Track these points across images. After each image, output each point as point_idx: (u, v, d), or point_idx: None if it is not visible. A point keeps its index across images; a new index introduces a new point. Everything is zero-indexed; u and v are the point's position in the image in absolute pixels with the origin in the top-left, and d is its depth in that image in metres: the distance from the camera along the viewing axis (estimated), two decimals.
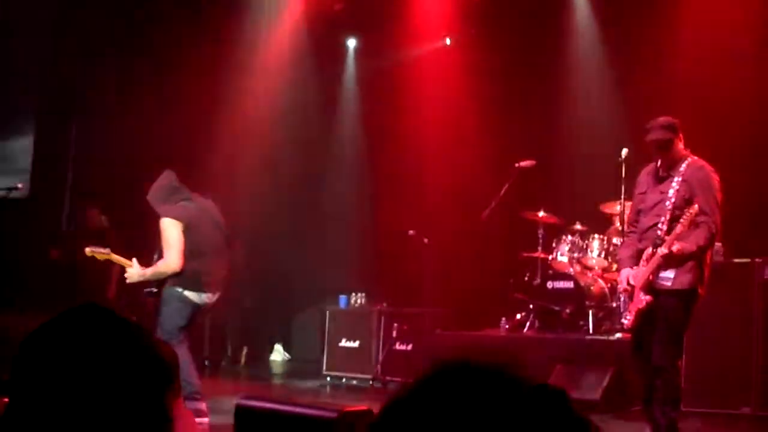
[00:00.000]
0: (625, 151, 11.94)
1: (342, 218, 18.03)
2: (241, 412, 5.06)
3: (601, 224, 13.78)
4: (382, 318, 14.27)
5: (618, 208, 12.04)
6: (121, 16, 16.49)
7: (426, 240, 14.53)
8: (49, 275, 14.63)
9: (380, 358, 13.94)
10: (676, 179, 8.37)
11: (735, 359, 10.96)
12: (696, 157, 8.52)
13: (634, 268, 8.54)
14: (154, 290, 10.50)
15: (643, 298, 8.34)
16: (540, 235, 14.19)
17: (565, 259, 13.68)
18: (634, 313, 8.43)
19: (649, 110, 13.37)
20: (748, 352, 10.95)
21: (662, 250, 8.17)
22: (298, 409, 4.83)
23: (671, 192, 8.35)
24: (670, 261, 8.24)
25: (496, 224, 13.95)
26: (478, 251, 15.59)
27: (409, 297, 14.79)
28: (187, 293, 10.04)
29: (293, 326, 19.20)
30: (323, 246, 18.10)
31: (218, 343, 17.46)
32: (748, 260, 11.17)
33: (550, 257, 13.92)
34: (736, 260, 11.23)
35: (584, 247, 13.60)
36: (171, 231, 10.00)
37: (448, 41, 17.51)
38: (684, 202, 8.29)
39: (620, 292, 8.77)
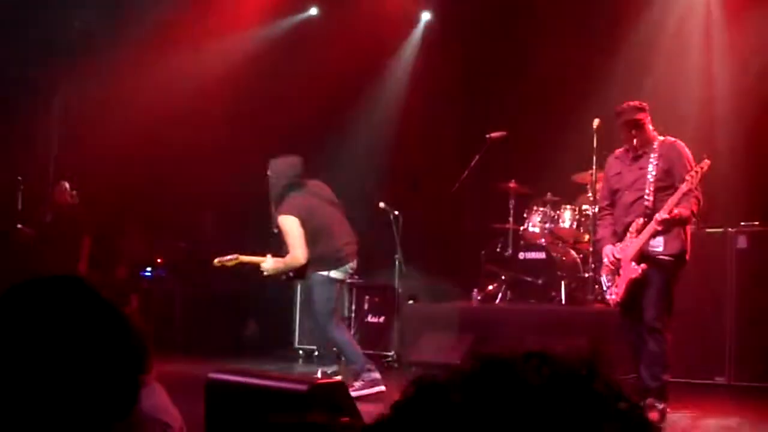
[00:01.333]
0: (596, 122, 11.95)
1: None
2: (211, 386, 4.97)
3: (572, 194, 13.75)
4: (354, 291, 14.21)
5: (591, 177, 12.04)
6: None
7: (396, 212, 14.45)
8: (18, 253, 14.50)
9: (352, 330, 13.88)
10: (652, 155, 8.79)
11: (709, 329, 11.00)
12: (665, 137, 8.96)
13: (617, 244, 8.86)
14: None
15: (637, 267, 8.60)
16: (511, 206, 14.16)
17: (536, 229, 13.67)
18: (625, 284, 8.67)
19: (621, 80, 13.47)
20: (722, 321, 10.99)
21: (662, 215, 8.46)
22: (268, 382, 4.75)
23: (650, 167, 8.75)
24: (669, 225, 8.54)
25: (468, 195, 13.91)
26: (449, 222, 15.54)
27: (381, 269, 14.70)
28: (333, 274, 10.64)
29: (265, 300, 19.11)
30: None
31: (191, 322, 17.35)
32: (721, 230, 11.19)
33: (521, 228, 13.90)
34: (709, 230, 11.24)
35: (556, 217, 13.58)
36: (290, 227, 10.67)
37: (426, 16, 17.40)
38: (664, 174, 8.72)
39: (604, 270, 9.02)
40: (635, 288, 8.66)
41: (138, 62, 15.94)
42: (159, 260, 17.41)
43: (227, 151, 17.03)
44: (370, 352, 13.45)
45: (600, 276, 9.27)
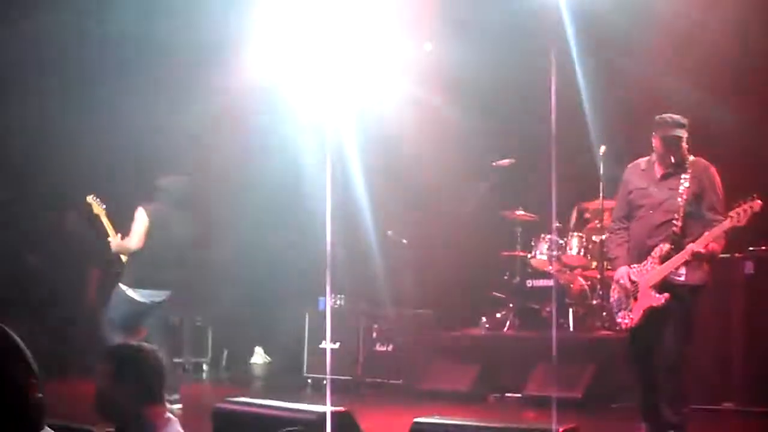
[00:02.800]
0: (603, 149, 11.97)
1: (319, 219, 17.94)
2: (218, 414, 5.00)
3: (579, 222, 13.76)
4: (362, 319, 14.23)
5: (598, 205, 12.07)
6: None
7: (404, 240, 14.48)
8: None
9: (361, 359, 13.89)
10: (684, 176, 8.38)
11: (717, 354, 10.98)
12: (697, 157, 8.55)
13: (634, 265, 8.49)
14: None
15: (659, 297, 8.23)
16: (519, 234, 14.17)
17: (544, 257, 13.66)
18: (642, 312, 8.34)
19: (627, 109, 13.47)
20: (730, 347, 10.97)
21: (697, 248, 8.11)
22: (276, 412, 4.78)
23: (682, 189, 8.35)
24: (700, 260, 8.23)
25: (475, 223, 13.92)
26: (457, 251, 15.55)
27: (389, 298, 14.72)
28: (130, 292, 11.19)
29: (273, 329, 19.14)
30: (302, 248, 18.03)
31: (198, 347, 17.39)
32: (729, 255, 11.16)
33: (529, 256, 13.90)
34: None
35: (563, 245, 13.58)
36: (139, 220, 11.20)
37: (428, 47, 17.42)
38: (694, 198, 8.32)
39: (616, 291, 8.65)
40: (653, 317, 8.29)
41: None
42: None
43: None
44: (380, 380, 13.48)
45: (612, 297, 8.78)
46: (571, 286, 13.26)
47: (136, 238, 11.09)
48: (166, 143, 15.36)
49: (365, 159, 17.33)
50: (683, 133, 8.43)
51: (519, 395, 12.04)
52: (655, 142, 8.54)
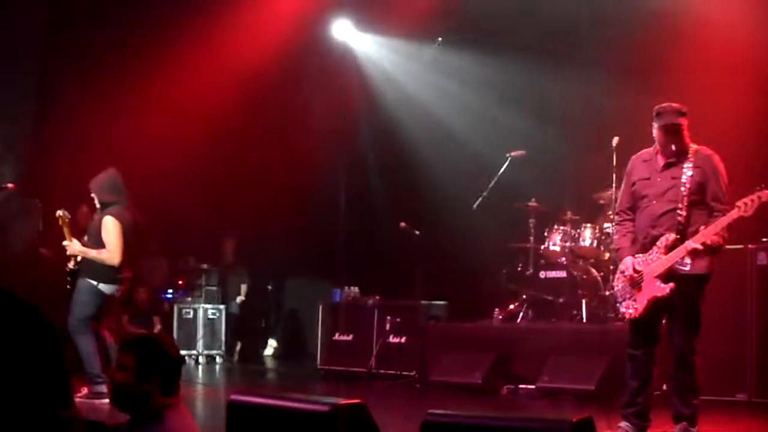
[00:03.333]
0: (615, 140, 11.97)
1: (333, 212, 18.00)
2: (233, 407, 5.02)
3: (592, 213, 13.76)
4: (376, 311, 14.25)
5: (611, 196, 12.05)
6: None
7: (417, 232, 14.49)
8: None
9: (374, 351, 13.91)
10: (687, 165, 8.30)
11: (730, 346, 10.97)
12: (700, 146, 8.45)
13: (638, 255, 8.42)
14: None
15: (665, 287, 8.16)
16: (532, 225, 14.17)
17: (557, 248, 13.66)
18: (647, 301, 8.26)
19: (639, 98, 13.46)
20: (743, 338, 10.96)
21: (694, 244, 8.02)
22: (290, 404, 4.79)
23: (685, 178, 8.26)
24: (705, 251, 8.13)
25: (488, 214, 13.93)
26: (470, 242, 15.55)
27: (402, 289, 14.75)
28: (102, 286, 11.03)
29: (287, 321, 19.19)
30: (316, 240, 18.07)
31: (213, 340, 17.43)
32: (742, 246, 11.15)
33: (542, 247, 13.90)
34: (729, 246, 11.18)
35: (576, 236, 13.57)
36: (113, 229, 11.09)
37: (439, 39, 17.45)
38: (698, 187, 8.24)
39: (620, 281, 8.56)
40: (658, 307, 8.24)
41: (154, 83, 16.05)
42: (180, 282, 17.51)
43: (247, 175, 17.14)
44: (393, 372, 13.50)
45: (616, 286, 8.68)
46: (584, 277, 13.25)
47: (118, 251, 11.10)
48: None
49: (379, 151, 17.38)
50: (682, 120, 8.36)
51: (532, 387, 12.04)
52: (656, 132, 8.47)
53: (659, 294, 8.20)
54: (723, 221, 8.03)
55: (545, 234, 13.88)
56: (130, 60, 16.41)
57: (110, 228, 11.05)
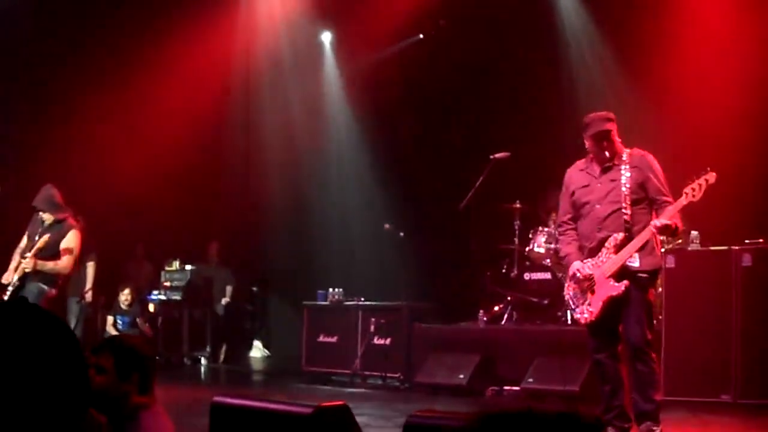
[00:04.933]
0: None
1: (317, 214, 18.00)
2: (216, 409, 5.01)
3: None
4: (360, 313, 14.24)
5: None
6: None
7: (401, 233, 14.50)
8: None
9: (359, 352, 13.91)
10: (624, 167, 8.38)
11: (714, 347, 10.97)
12: (632, 148, 8.56)
13: (587, 260, 8.45)
14: None
15: (619, 285, 8.18)
16: (516, 227, 14.18)
17: (542, 250, 13.67)
18: (602, 303, 8.27)
19: (624, 101, 13.50)
20: (728, 339, 10.96)
21: (661, 221, 8.03)
22: (272, 406, 4.78)
23: (624, 179, 8.34)
24: (665, 232, 8.24)
25: (473, 216, 13.93)
26: (454, 244, 15.57)
27: (386, 291, 14.75)
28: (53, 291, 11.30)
29: (272, 323, 19.20)
30: (301, 242, 18.08)
31: (198, 341, 17.44)
32: (726, 248, 11.17)
33: (527, 249, 13.90)
34: (714, 248, 11.23)
35: None
36: (76, 240, 11.41)
37: (420, 36, 17.47)
38: (637, 186, 8.31)
39: (571, 288, 8.59)
40: (613, 306, 8.26)
41: (142, 90, 16.07)
42: (166, 284, 17.50)
43: (231, 179, 17.16)
44: (377, 373, 13.51)
45: (567, 294, 8.70)
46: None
47: (72, 262, 11.42)
48: None
49: (361, 151, 17.39)
50: (610, 126, 8.45)
51: (517, 388, 12.05)
52: (587, 143, 8.55)
53: (614, 293, 8.23)
54: (675, 207, 8.11)
55: (530, 236, 13.88)
56: (115, 62, 16.42)
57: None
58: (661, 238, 8.76)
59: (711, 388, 10.90)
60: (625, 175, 8.35)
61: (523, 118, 15.47)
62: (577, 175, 8.73)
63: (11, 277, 11.30)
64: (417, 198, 16.42)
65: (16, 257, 11.50)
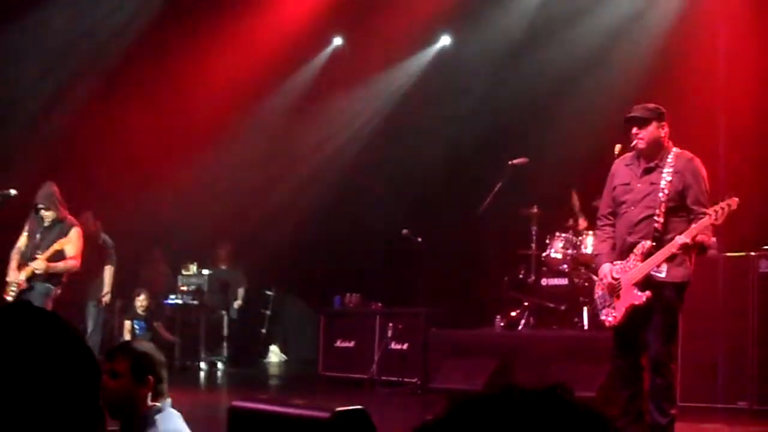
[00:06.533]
0: (618, 147, 11.93)
1: (335, 219, 18.02)
2: (234, 413, 5.04)
3: (594, 220, 13.74)
4: (377, 317, 14.26)
5: None
6: None
7: (419, 239, 14.50)
8: None
9: (376, 357, 13.92)
10: (666, 170, 8.13)
11: (731, 353, 10.96)
12: (681, 149, 8.29)
13: (617, 262, 8.30)
14: None
15: (641, 295, 8.02)
16: (534, 232, 14.17)
17: (559, 255, 13.64)
18: (625, 309, 8.13)
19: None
20: (744, 346, 10.94)
21: (683, 239, 7.83)
22: (290, 410, 4.80)
23: (663, 183, 8.10)
24: (687, 251, 7.99)
25: (490, 222, 13.94)
26: (472, 249, 15.57)
27: (404, 296, 14.76)
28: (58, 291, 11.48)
29: (289, 327, 19.21)
30: (317, 247, 18.09)
31: (215, 346, 17.48)
32: (743, 254, 11.15)
33: (544, 254, 13.88)
34: (730, 254, 11.20)
35: (578, 243, 13.55)
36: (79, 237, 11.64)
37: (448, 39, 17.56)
38: (677, 194, 8.07)
39: (599, 288, 8.47)
40: (636, 315, 8.09)
41: (154, 91, 16.11)
42: (183, 288, 17.54)
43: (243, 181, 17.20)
44: (394, 378, 13.51)
45: (596, 294, 8.55)
46: (586, 284, 13.25)
47: (79, 260, 11.65)
48: None
49: (379, 159, 17.40)
50: (648, 115, 8.22)
51: None
52: (626, 132, 8.32)
53: (636, 302, 8.08)
54: (698, 227, 7.86)
55: (547, 241, 13.86)
56: (134, 57, 16.46)
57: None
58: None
59: (728, 395, 10.88)
60: (666, 179, 8.10)
61: (542, 123, 15.47)
62: (622, 170, 8.50)
63: (17, 276, 11.36)
64: (435, 203, 16.41)
65: (15, 255, 11.59)
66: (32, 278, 11.31)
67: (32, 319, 2.15)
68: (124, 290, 15.98)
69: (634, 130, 8.19)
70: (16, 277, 11.40)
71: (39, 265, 11.25)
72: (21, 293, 11.29)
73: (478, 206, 13.53)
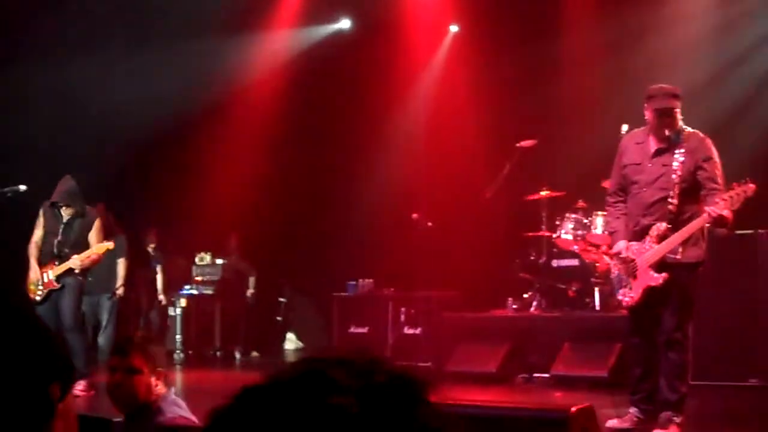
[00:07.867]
0: (625, 127, 11.93)
1: (347, 204, 18.03)
2: None
3: (603, 200, 13.74)
4: (390, 303, 14.31)
5: None
6: None
7: (430, 223, 14.53)
8: None
9: (390, 342, 13.97)
10: (678, 151, 8.13)
11: (741, 331, 10.99)
12: (690, 128, 8.29)
13: (632, 243, 8.32)
14: None
15: (658, 276, 8.08)
16: (544, 214, 14.16)
17: (569, 236, 13.62)
18: (642, 290, 8.19)
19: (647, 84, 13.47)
20: (754, 323, 10.97)
21: (717, 210, 7.75)
22: None
23: (676, 165, 8.11)
24: (718, 224, 8.01)
25: (500, 204, 13.95)
26: (482, 232, 15.57)
27: (416, 281, 14.79)
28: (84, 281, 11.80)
29: (303, 314, 19.23)
30: (329, 232, 18.09)
31: (232, 334, 17.52)
32: (752, 231, 11.16)
33: (554, 235, 13.88)
34: (740, 232, 11.19)
35: (588, 224, 13.53)
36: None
37: (454, 28, 17.56)
38: (689, 175, 8.08)
39: (616, 268, 8.50)
40: (653, 295, 8.14)
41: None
42: (198, 278, 17.58)
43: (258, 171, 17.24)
44: (409, 363, 13.55)
45: (612, 273, 8.62)
46: (597, 265, 13.26)
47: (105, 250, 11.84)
48: None
49: (390, 143, 17.41)
50: (674, 103, 8.19)
51: (547, 375, 12.08)
52: (648, 114, 8.28)
53: (653, 283, 8.13)
54: (718, 207, 7.83)
55: (557, 223, 13.85)
56: None
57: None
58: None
59: (739, 372, 10.91)
60: (678, 160, 8.11)
61: (550, 104, 15.47)
62: (632, 148, 8.51)
63: (39, 275, 11.43)
64: (445, 187, 16.41)
65: (33, 251, 11.62)
66: (62, 275, 11.41)
67: None
68: (139, 284, 16.12)
69: (665, 120, 8.15)
70: (39, 275, 11.46)
71: (76, 263, 11.40)
72: (50, 293, 11.39)
73: (487, 189, 13.56)
